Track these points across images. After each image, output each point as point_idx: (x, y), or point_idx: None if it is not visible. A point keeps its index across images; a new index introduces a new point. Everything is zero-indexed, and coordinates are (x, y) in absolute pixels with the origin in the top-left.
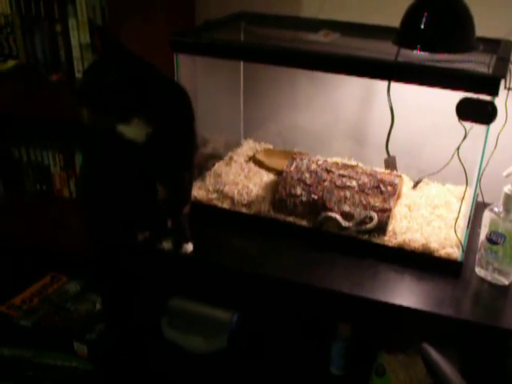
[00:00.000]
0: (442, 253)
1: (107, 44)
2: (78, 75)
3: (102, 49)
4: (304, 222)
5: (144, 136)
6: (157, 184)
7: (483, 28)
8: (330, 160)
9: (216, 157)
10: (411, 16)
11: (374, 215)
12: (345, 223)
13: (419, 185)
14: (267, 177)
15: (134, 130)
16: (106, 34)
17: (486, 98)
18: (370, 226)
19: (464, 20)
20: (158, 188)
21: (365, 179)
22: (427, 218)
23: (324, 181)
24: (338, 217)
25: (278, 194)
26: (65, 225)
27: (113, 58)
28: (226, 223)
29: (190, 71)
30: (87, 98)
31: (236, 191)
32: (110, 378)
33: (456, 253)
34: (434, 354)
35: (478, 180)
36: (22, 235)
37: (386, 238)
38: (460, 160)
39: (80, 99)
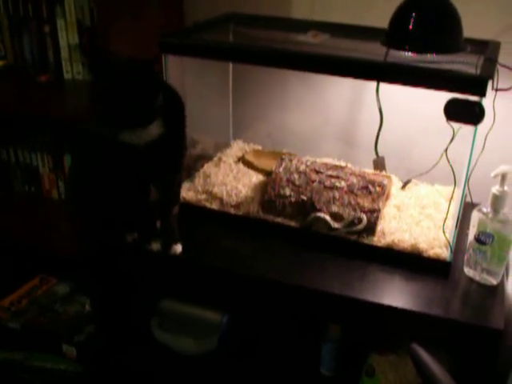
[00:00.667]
0: (431, 253)
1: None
2: (67, 76)
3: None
4: (293, 223)
5: (146, 140)
6: (150, 186)
7: (471, 29)
8: (318, 161)
9: (205, 158)
10: (399, 17)
11: (363, 216)
12: (334, 224)
13: (408, 185)
14: (256, 177)
15: (137, 136)
16: (96, 44)
17: (474, 98)
18: (359, 227)
19: (452, 21)
20: (151, 189)
21: (354, 180)
22: (416, 218)
23: (313, 181)
24: (328, 217)
25: (267, 194)
26: (54, 226)
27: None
28: (215, 224)
29: (178, 72)
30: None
31: (225, 192)
32: (99, 381)
33: (445, 253)
34: (424, 355)
35: (466, 180)
36: (11, 236)
37: (375, 239)
38: (448, 160)
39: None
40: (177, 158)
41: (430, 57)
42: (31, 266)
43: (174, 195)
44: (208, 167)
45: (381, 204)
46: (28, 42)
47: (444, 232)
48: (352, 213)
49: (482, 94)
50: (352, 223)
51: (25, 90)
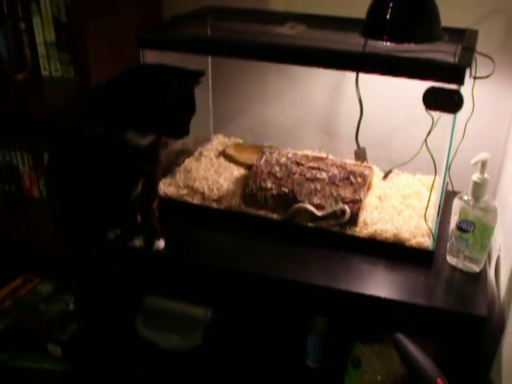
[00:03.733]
0: (414, 242)
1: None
2: (45, 73)
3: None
4: (275, 216)
5: (149, 141)
6: (139, 181)
7: (448, 18)
8: (299, 153)
9: (186, 152)
10: (377, 7)
11: (346, 208)
12: (317, 212)
13: (389, 175)
14: (237, 171)
15: (144, 138)
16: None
17: (453, 87)
18: (344, 219)
19: (429, 10)
20: (138, 185)
21: (335, 171)
22: (398, 208)
23: (294, 173)
24: (310, 206)
25: (249, 188)
26: (36, 225)
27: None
28: (197, 219)
29: None
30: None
31: (206, 186)
32: (86, 379)
33: (427, 242)
34: (408, 344)
35: (447, 169)
36: None
37: (358, 229)
38: (428, 149)
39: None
40: (159, 151)
41: (408, 46)
42: (14, 265)
43: (154, 189)
44: (189, 162)
45: (362, 194)
46: (4, 39)
47: (426, 221)
48: (335, 205)
49: (460, 82)
50: (336, 215)
51: (2, 88)
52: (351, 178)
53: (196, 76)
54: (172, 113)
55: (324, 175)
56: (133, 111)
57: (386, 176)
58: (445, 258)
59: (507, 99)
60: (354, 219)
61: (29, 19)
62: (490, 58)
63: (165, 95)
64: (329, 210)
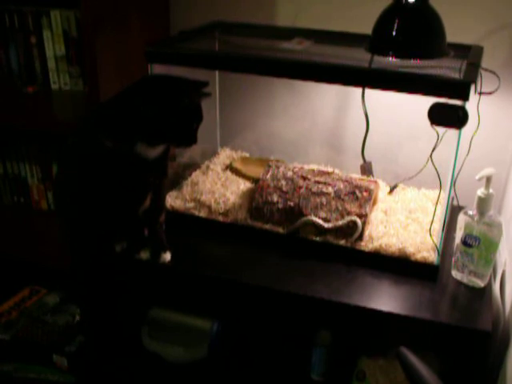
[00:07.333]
0: (419, 257)
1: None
2: (54, 87)
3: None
4: (281, 230)
5: (158, 154)
6: (148, 194)
7: (454, 34)
8: (306, 167)
9: (193, 166)
10: (383, 23)
11: (358, 221)
12: (324, 224)
13: (395, 190)
14: (244, 185)
15: (153, 150)
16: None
17: (458, 102)
18: (355, 235)
19: (435, 26)
20: (147, 198)
21: (341, 185)
22: (403, 222)
23: (300, 188)
24: (316, 219)
25: (255, 201)
26: (43, 237)
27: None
28: (203, 232)
29: None
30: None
31: (213, 200)
32: None
33: (432, 256)
34: (412, 358)
35: (452, 184)
36: (1, 248)
37: (363, 244)
38: (433, 164)
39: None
40: (167, 164)
41: (413, 62)
42: (20, 276)
43: (161, 202)
44: (196, 175)
45: (368, 209)
46: (15, 53)
47: (431, 236)
48: (340, 218)
49: (465, 97)
50: (345, 230)
51: (12, 101)
52: (357, 192)
53: (201, 86)
54: (180, 122)
55: (330, 189)
56: (141, 122)
57: (391, 190)
58: (450, 273)
59: None
60: (359, 233)
61: (39, 33)
62: (495, 74)
63: (172, 105)
64: (338, 223)
